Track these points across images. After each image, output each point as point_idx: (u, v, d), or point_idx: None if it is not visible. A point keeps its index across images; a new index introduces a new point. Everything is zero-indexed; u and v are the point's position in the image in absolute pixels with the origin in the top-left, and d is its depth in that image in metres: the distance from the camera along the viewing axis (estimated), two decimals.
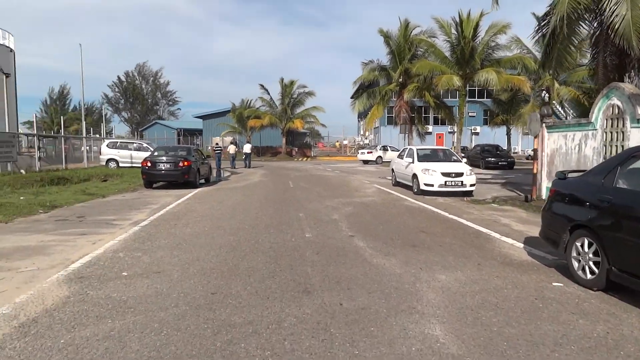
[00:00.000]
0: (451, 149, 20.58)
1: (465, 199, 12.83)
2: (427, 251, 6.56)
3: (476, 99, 47.52)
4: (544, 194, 12.19)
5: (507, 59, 28.74)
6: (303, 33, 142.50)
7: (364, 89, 34.60)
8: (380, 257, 6.16)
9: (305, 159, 46.44)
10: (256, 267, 5.67)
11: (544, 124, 12.07)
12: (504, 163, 26.08)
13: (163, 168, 15.29)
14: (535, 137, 12.31)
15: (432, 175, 13.24)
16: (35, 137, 22.81)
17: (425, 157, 14.53)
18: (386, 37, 31.32)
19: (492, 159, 26.10)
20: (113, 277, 5.26)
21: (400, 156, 16.26)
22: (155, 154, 16.36)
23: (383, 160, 35.13)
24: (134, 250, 6.54)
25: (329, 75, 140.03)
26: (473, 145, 28.69)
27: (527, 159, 31.49)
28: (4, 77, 21.78)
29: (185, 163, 15.33)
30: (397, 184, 16.30)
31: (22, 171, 19.84)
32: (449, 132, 53.15)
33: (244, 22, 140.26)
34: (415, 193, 13.75)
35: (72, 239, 7.34)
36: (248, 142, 35.61)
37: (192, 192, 14.39)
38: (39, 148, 33.77)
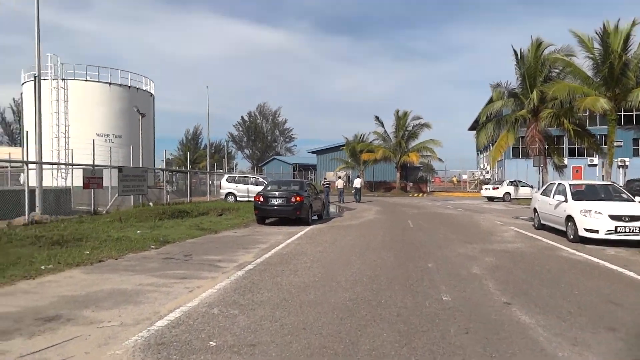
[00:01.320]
0: None
1: None
2: (636, 339, 4.34)
3: (623, 125, 40.82)
4: None
5: None
6: (414, 68, 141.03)
7: (488, 119, 31.52)
8: (566, 348, 4.13)
9: (420, 194, 43.88)
10: (382, 348, 4.07)
11: None
12: None
13: (275, 203, 14.62)
14: None
15: (595, 218, 10.42)
16: (163, 172, 24.30)
17: (582, 194, 11.70)
18: (518, 55, 28.25)
19: None
20: (198, 348, 4.07)
21: (545, 193, 13.50)
22: (269, 188, 15.87)
23: (512, 197, 31.28)
24: (231, 305, 5.40)
25: (443, 110, 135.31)
26: (626, 180, 23.81)
27: None
28: (140, 116, 23.68)
29: (298, 198, 14.48)
30: (541, 227, 13.50)
31: (151, 204, 20.99)
32: (589, 165, 46.60)
33: (357, 60, 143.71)
34: (571, 240, 10.97)
35: (170, 284, 6.51)
36: (358, 177, 34.68)
37: (303, 230, 13.38)
38: (169, 182, 36.58)
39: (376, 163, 44.39)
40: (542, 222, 13.36)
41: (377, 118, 45.11)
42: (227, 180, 26.81)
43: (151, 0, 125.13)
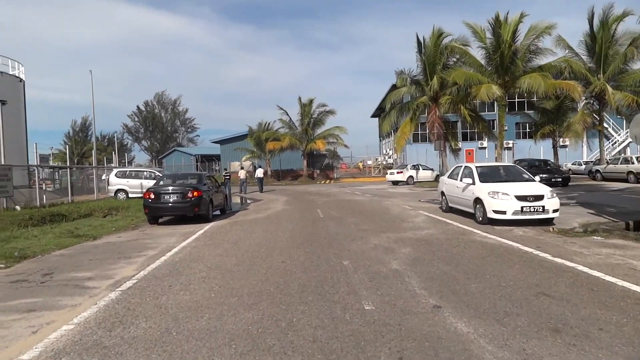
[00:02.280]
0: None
1: (552, 228, 9.91)
2: (591, 346, 3.76)
3: (508, 111, 44.41)
4: None
5: (549, 64, 25.85)
6: (319, 57, 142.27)
7: (392, 106, 32.04)
8: None
9: (328, 181, 43.85)
10: None
11: None
12: (558, 180, 22.87)
13: (170, 200, 12.83)
14: None
15: (503, 199, 10.38)
16: (37, 169, 20.80)
17: (487, 176, 11.69)
18: (420, 44, 28.84)
19: (544, 176, 22.98)
20: None
21: (452, 176, 13.45)
22: (161, 183, 13.95)
23: (415, 181, 32.26)
24: (89, 351, 3.92)
25: (347, 98, 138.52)
26: (513, 161, 25.62)
27: (590, 173, 28.06)
28: (0, 104, 19.91)
29: (196, 193, 12.84)
30: (449, 209, 13.46)
31: (17, 207, 17.72)
32: (480, 148, 50.17)
33: (261, 49, 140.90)
34: (479, 222, 10.89)
35: (8, 322, 4.79)
36: (260, 167, 33.50)
37: (202, 229, 11.84)
38: (46, 180, 32.01)
39: (282, 151, 43.40)
40: (450, 204, 13.31)
41: (280, 107, 44.04)
42: (116, 175, 23.84)
43: None
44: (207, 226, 12.42)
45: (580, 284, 5.54)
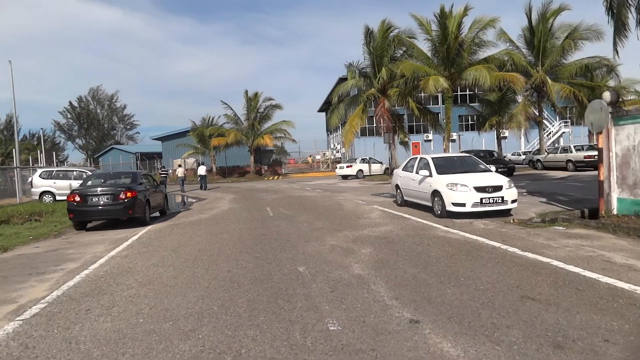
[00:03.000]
0: None
1: (512, 220, 9.57)
2: (590, 356, 3.14)
3: (453, 103, 45.37)
4: (615, 208, 9.11)
5: (492, 56, 26.32)
6: (264, 52, 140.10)
7: (340, 99, 31.51)
8: None
9: (276, 177, 42.77)
10: None
11: (610, 115, 9.02)
12: (504, 170, 23.24)
13: (99, 203, 11.34)
14: (598, 133, 9.23)
15: (462, 191, 9.94)
16: None
17: (444, 167, 11.25)
18: (367, 36, 28.40)
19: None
20: None
21: (407, 168, 12.95)
22: (89, 183, 12.38)
23: (364, 174, 31.96)
24: None
25: (293, 93, 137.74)
26: (460, 152, 26.02)
27: (531, 163, 28.96)
28: None
29: (129, 194, 11.45)
30: (404, 203, 12.95)
31: None
32: (425, 141, 51.04)
33: (204, 43, 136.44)
34: (438, 216, 10.41)
35: None
36: (202, 164, 32.07)
37: (137, 234, 10.53)
38: None
39: (228, 147, 41.69)
40: (406, 198, 12.80)
41: (223, 102, 42.32)
42: (41, 176, 21.47)
43: None
44: (143, 230, 11.10)
45: (563, 283, 5.02)
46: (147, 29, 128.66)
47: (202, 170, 29.41)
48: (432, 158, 11.55)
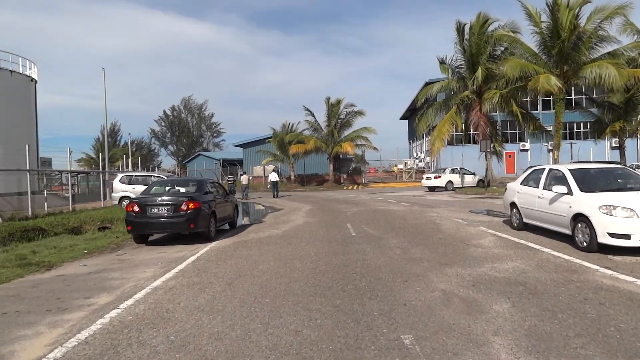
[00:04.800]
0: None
1: None
2: None
3: (549, 109, 40.17)
4: None
5: (618, 50, 22.01)
6: (345, 62, 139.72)
7: (427, 103, 28.70)
8: None
9: (356, 186, 40.62)
10: None
11: None
12: None
13: (159, 214, 9.97)
14: None
15: (625, 217, 7.05)
16: (28, 173, 18.40)
17: (589, 183, 8.36)
18: (461, 33, 25.47)
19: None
20: None
21: (527, 182, 10.13)
22: (151, 192, 11.13)
23: (454, 187, 28.72)
24: None
25: (374, 102, 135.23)
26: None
27: None
28: None
29: (192, 205, 9.95)
30: (522, 226, 10.12)
31: None
32: (521, 150, 46.19)
33: (287, 54, 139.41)
34: (583, 249, 7.58)
35: None
36: (274, 171, 31.64)
37: (197, 253, 8.93)
38: (63, 185, 30.02)
39: (307, 155, 40.38)
40: (525, 220, 9.97)
41: (306, 108, 41.03)
42: (121, 180, 21.37)
43: None
44: (205, 248, 9.50)
45: None
46: (235, 43, 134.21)
47: (272, 177, 29.36)
48: (570, 170, 8.67)
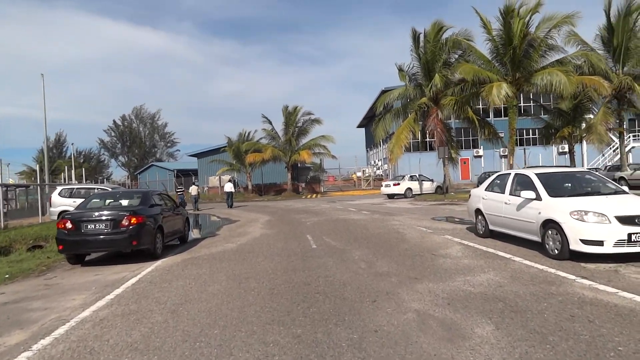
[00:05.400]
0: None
1: None
2: None
3: (501, 117, 41.36)
4: None
5: (566, 58, 22.78)
6: (302, 71, 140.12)
7: (385, 109, 28.63)
8: None
9: (315, 195, 40.04)
10: None
11: None
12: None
13: (96, 230, 8.85)
14: None
15: (597, 222, 6.76)
16: None
17: (557, 188, 8.09)
18: (416, 40, 25.56)
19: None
20: None
21: (492, 188, 9.82)
22: (88, 206, 9.95)
23: (413, 194, 28.70)
24: None
25: (331, 111, 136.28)
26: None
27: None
28: None
29: (134, 220, 8.90)
30: (488, 233, 9.79)
31: None
32: (475, 157, 47.18)
33: (244, 63, 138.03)
34: (554, 257, 7.25)
35: None
36: (230, 181, 31.24)
37: (139, 274, 7.92)
38: None
39: (264, 164, 39.41)
40: (492, 227, 9.64)
41: (264, 116, 40.14)
42: (60, 194, 19.65)
43: None
44: (150, 267, 8.49)
45: None
46: (190, 52, 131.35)
47: (228, 187, 28.92)
48: (537, 174, 8.39)
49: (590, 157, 42.98)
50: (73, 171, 32.62)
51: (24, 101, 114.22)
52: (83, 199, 18.89)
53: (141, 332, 4.71)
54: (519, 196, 8.37)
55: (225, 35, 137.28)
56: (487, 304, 5.05)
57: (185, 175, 58.43)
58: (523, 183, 8.57)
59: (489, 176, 33.13)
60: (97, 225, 8.86)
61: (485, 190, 10.04)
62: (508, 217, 8.78)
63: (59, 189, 20.35)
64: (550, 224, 7.40)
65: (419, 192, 28.72)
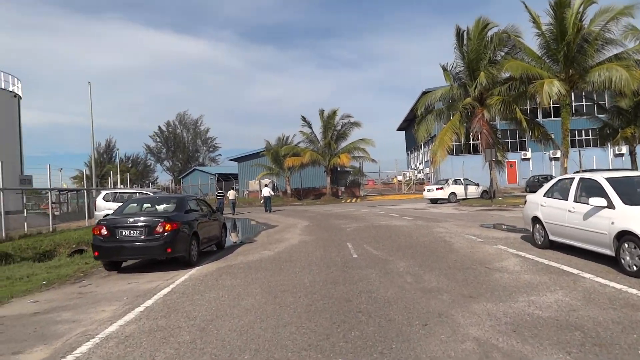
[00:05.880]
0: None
1: None
2: None
3: (550, 117, 39.12)
4: None
5: (626, 53, 21.02)
6: (339, 76, 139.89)
7: (428, 111, 27.60)
8: None
9: (354, 200, 39.35)
10: None
11: None
12: None
13: (130, 237, 8.64)
14: None
15: None
16: (1, 192, 17.03)
17: (631, 193, 7.11)
18: (460, 37, 24.50)
19: None
20: None
21: (552, 194, 8.88)
22: (125, 211, 9.80)
23: (457, 198, 27.48)
24: None
25: (369, 115, 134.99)
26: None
27: None
28: None
29: (168, 227, 8.63)
30: (548, 244, 8.85)
31: None
32: (523, 159, 44.95)
33: (282, 68, 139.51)
34: (632, 274, 6.30)
35: None
36: (266, 186, 31.74)
37: (172, 284, 7.60)
38: (53, 204, 28.54)
39: (303, 168, 39.14)
40: (552, 237, 8.70)
41: (303, 118, 39.89)
42: (104, 198, 19.98)
43: (58, 9, 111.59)
44: (184, 276, 8.17)
45: None
46: (230, 58, 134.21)
47: (266, 192, 29.26)
48: (607, 179, 7.42)
49: None
50: (118, 175, 33.53)
51: (77, 109, 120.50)
52: None
53: (166, 355, 4.28)
54: (586, 203, 7.43)
55: (263, 41, 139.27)
56: (562, 333, 4.28)
57: (226, 180, 59.25)
58: (590, 189, 7.61)
59: (538, 180, 31.45)
60: (131, 231, 8.65)
61: (544, 196, 9.09)
62: (572, 226, 7.84)
63: (103, 193, 20.74)
64: (626, 236, 6.46)
65: (464, 197, 27.47)
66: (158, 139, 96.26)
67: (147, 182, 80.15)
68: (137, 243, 8.60)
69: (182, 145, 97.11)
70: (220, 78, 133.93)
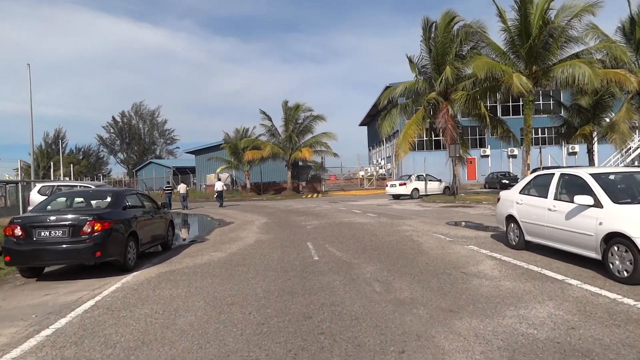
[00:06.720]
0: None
1: None
2: None
3: (509, 115, 39.75)
4: None
5: (588, 50, 21.16)
6: (303, 70, 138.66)
7: (392, 104, 27.02)
8: None
9: (315, 195, 38.46)
10: None
11: None
12: None
13: (51, 238, 7.29)
14: None
15: None
16: None
17: (620, 192, 6.53)
18: (427, 30, 23.97)
19: None
20: None
21: (529, 191, 8.25)
22: (49, 207, 8.39)
23: (420, 194, 27.12)
24: None
25: (332, 110, 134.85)
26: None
27: None
28: None
29: (98, 226, 7.34)
30: (523, 245, 8.23)
31: None
32: (482, 156, 45.45)
33: (245, 61, 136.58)
34: (622, 280, 5.69)
35: None
36: (219, 180, 30.63)
37: (98, 295, 6.36)
38: None
39: (264, 162, 37.78)
40: (528, 238, 8.08)
41: (262, 111, 38.51)
42: (39, 192, 18.05)
43: None
44: (115, 285, 6.94)
45: None
46: (191, 49, 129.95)
47: (219, 186, 28.30)
48: (592, 174, 6.80)
49: (602, 157, 41.39)
50: (63, 168, 31.07)
51: (23, 96, 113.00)
52: None
53: None
54: (569, 201, 6.80)
55: (226, 32, 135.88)
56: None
57: (183, 173, 56.91)
58: (572, 186, 6.99)
59: (497, 177, 31.45)
60: (53, 231, 7.29)
61: (520, 193, 8.46)
62: (553, 226, 7.20)
63: (38, 186, 18.79)
64: (616, 238, 5.83)
65: (425, 193, 27.13)
66: (112, 130, 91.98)
67: (99, 174, 76.16)
68: (60, 245, 7.25)
69: (137, 136, 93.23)
70: (180, 69, 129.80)
